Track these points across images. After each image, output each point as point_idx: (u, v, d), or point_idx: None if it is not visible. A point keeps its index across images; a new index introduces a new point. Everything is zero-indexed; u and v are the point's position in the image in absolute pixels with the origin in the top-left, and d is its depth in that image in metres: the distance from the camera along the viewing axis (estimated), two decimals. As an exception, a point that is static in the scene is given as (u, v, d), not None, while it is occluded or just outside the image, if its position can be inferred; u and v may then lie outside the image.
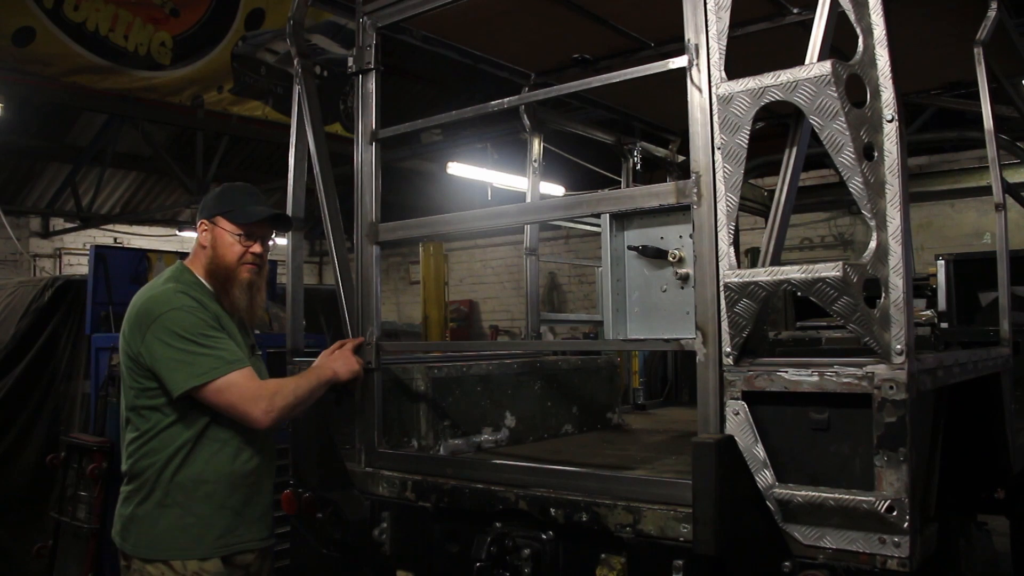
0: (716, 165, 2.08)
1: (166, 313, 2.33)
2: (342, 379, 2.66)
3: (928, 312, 5.71)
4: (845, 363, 1.89)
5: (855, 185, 1.88)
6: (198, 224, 2.55)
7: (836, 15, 2.01)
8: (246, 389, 2.33)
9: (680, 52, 2.21)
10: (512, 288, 14.58)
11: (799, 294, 1.94)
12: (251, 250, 2.52)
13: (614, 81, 2.58)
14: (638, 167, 4.84)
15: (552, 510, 2.35)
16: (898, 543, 1.82)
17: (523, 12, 3.37)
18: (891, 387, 1.82)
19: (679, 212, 3.62)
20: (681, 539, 2.09)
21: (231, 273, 2.50)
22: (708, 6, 2.13)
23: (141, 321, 2.35)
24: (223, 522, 2.41)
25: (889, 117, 1.92)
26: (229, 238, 2.50)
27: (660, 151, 4.99)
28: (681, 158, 4.93)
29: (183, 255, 2.68)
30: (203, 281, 2.51)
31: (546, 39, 3.71)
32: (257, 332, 3.05)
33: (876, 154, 1.91)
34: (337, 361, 2.67)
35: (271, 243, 2.62)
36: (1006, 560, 3.89)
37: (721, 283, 2.04)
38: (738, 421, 2.01)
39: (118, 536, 2.45)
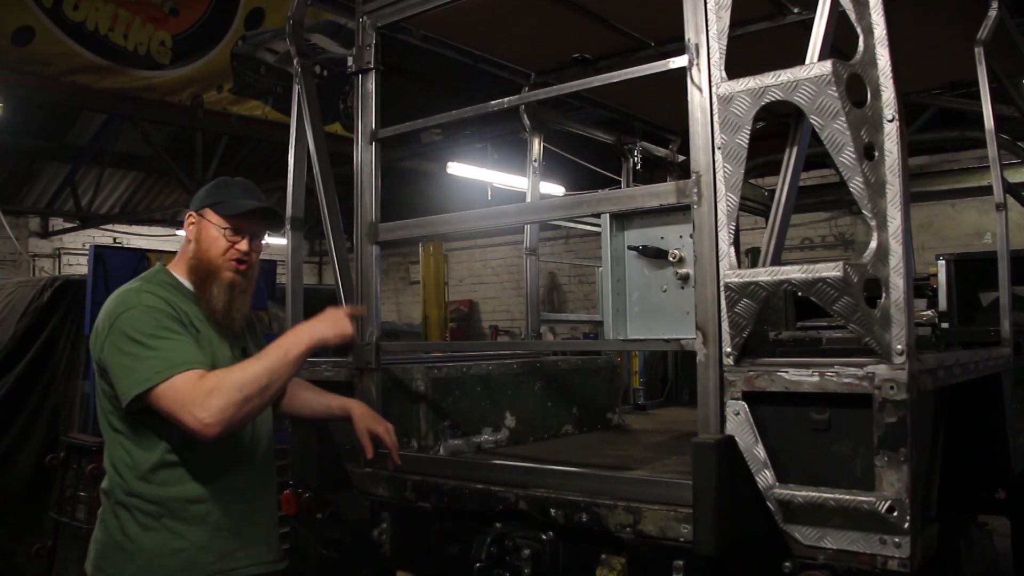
0: (716, 165, 2.08)
1: (122, 315, 2.11)
2: (329, 342, 2.25)
3: (929, 312, 5.70)
4: (846, 363, 1.88)
5: (855, 185, 1.88)
6: (186, 217, 2.34)
7: (836, 15, 2.01)
8: (181, 393, 2.00)
9: (680, 52, 2.21)
10: (512, 288, 14.58)
11: (799, 294, 1.93)
12: (237, 246, 2.28)
13: (614, 81, 2.57)
14: (638, 167, 4.84)
15: (552, 510, 2.34)
16: (899, 543, 1.82)
17: (523, 12, 3.36)
18: (892, 387, 1.81)
19: (679, 212, 3.62)
20: (681, 539, 2.08)
21: (212, 269, 2.27)
22: (708, 6, 2.13)
23: (102, 325, 2.15)
24: (219, 544, 2.17)
25: (890, 117, 1.92)
26: (214, 231, 2.27)
27: (660, 151, 4.99)
28: (681, 158, 4.93)
29: None
30: (182, 281, 2.30)
31: (546, 39, 3.70)
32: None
33: (876, 154, 1.91)
34: (323, 322, 2.23)
35: (263, 243, 2.38)
36: (1007, 560, 3.89)
37: (721, 283, 2.04)
38: (738, 421, 2.01)
39: (91, 565, 2.16)
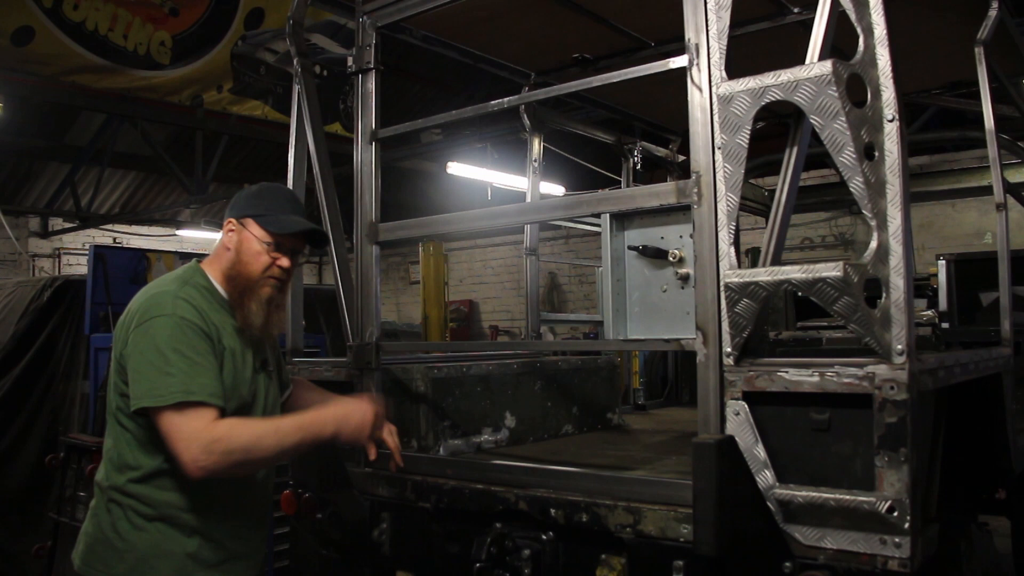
0: (716, 165, 2.08)
1: (155, 318, 2.07)
2: (342, 440, 2.25)
3: (929, 312, 5.70)
4: (846, 363, 1.88)
5: (856, 185, 1.88)
6: (225, 222, 2.27)
7: (837, 14, 2.01)
8: (186, 427, 1.98)
9: (680, 52, 2.21)
10: (512, 288, 14.58)
11: (800, 294, 1.93)
12: (279, 263, 2.23)
13: (614, 81, 2.57)
14: (638, 167, 4.84)
15: (552, 510, 2.34)
16: (899, 544, 1.82)
17: (523, 12, 3.36)
18: (892, 387, 1.81)
19: (679, 212, 3.62)
20: (681, 539, 2.08)
21: (252, 285, 2.21)
22: (708, 5, 2.13)
23: (131, 321, 2.11)
24: (207, 555, 2.14)
25: (890, 117, 1.92)
26: (257, 246, 2.21)
27: (660, 151, 4.99)
28: (681, 158, 4.93)
29: (183, 255, 2.52)
30: (217, 286, 2.24)
31: (546, 39, 3.70)
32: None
33: (877, 154, 1.91)
34: (349, 421, 2.21)
35: (302, 258, 2.35)
36: (1007, 561, 3.88)
37: (721, 283, 2.04)
38: (739, 421, 2.01)
39: (80, 559, 2.13)
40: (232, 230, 2.25)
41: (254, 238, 2.22)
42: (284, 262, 2.25)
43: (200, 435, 1.98)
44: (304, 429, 2.13)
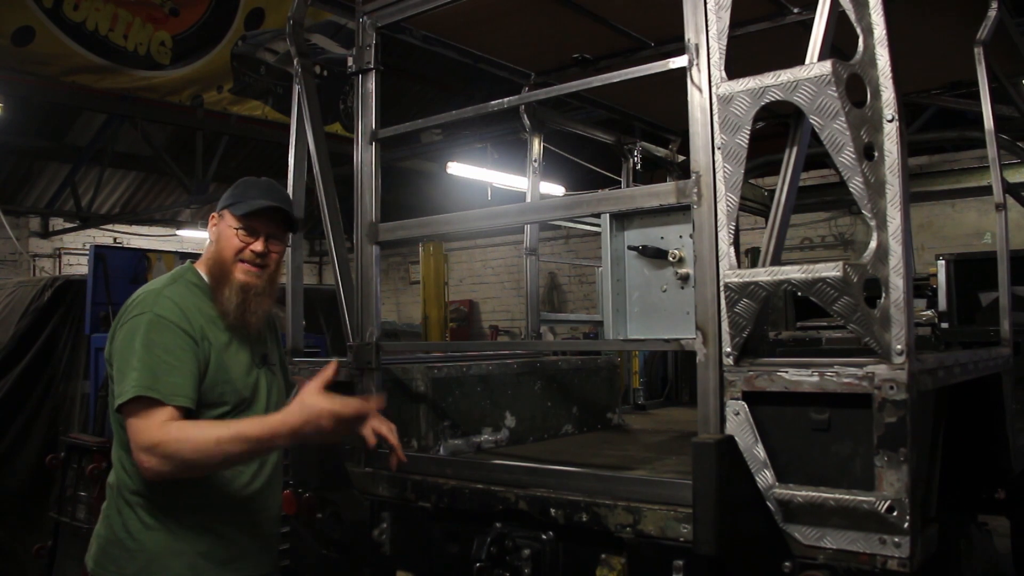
0: (716, 165, 2.08)
1: (140, 315, 2.09)
2: (311, 441, 2.12)
3: (928, 312, 5.71)
4: (845, 363, 1.88)
5: (855, 185, 1.88)
6: (210, 216, 2.34)
7: (836, 15, 2.01)
8: (135, 427, 1.99)
9: (680, 52, 2.21)
10: (512, 288, 14.58)
11: (799, 294, 1.93)
12: (251, 247, 2.24)
13: (614, 81, 2.57)
14: (638, 167, 4.84)
15: (552, 510, 2.34)
16: (898, 543, 1.82)
17: (523, 12, 3.37)
18: (891, 387, 1.81)
19: (679, 212, 3.62)
20: (681, 539, 2.08)
21: (225, 269, 2.23)
22: (708, 6, 2.13)
23: (118, 319, 2.15)
24: (220, 553, 2.16)
25: (889, 117, 1.92)
26: (229, 231, 2.25)
27: (660, 151, 4.99)
28: (681, 158, 4.93)
29: (183, 255, 2.53)
30: (207, 280, 2.28)
31: (546, 39, 3.70)
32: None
33: (876, 154, 1.91)
34: (319, 420, 2.02)
35: (282, 246, 2.34)
36: (1007, 561, 3.89)
37: (721, 283, 2.04)
38: (738, 421, 2.01)
39: (92, 560, 2.16)
40: (214, 224, 2.32)
41: (227, 225, 2.27)
42: (257, 246, 2.25)
43: (143, 437, 1.98)
44: (248, 440, 2.01)
